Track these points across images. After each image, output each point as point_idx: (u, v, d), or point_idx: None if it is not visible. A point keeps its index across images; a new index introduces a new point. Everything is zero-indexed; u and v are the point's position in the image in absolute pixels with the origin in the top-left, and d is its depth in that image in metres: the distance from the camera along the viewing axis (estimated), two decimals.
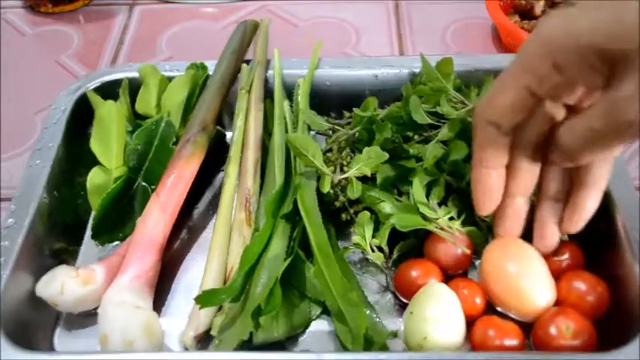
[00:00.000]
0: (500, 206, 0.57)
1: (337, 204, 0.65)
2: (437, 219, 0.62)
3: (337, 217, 0.66)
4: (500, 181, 0.52)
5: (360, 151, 0.65)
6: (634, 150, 0.78)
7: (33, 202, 0.64)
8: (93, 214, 0.67)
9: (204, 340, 0.59)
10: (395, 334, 0.60)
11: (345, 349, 0.58)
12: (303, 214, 0.63)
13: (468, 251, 0.62)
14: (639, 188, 0.68)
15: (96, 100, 0.75)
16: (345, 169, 0.65)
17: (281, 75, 0.78)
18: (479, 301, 0.59)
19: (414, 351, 0.57)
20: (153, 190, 0.65)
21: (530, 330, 0.58)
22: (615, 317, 0.58)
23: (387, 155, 0.63)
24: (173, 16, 1.03)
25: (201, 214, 0.72)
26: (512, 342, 0.56)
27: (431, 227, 0.62)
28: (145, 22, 1.02)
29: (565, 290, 0.59)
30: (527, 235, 0.60)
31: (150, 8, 1.05)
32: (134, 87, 0.76)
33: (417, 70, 0.76)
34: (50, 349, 0.61)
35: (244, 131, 0.72)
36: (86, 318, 0.62)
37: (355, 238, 0.64)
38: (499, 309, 0.60)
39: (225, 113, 0.77)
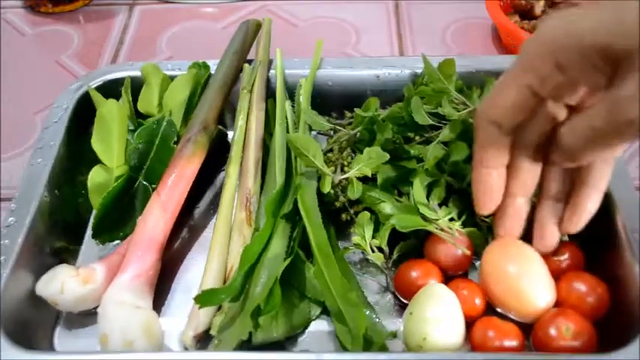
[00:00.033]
0: (500, 206, 0.57)
1: (337, 204, 0.65)
2: (437, 220, 0.62)
3: (337, 217, 0.66)
4: (500, 181, 0.52)
5: (361, 152, 0.65)
6: (634, 150, 0.78)
7: (34, 200, 0.64)
8: (94, 212, 0.67)
9: (203, 340, 0.59)
10: (394, 335, 0.60)
11: (344, 349, 0.58)
12: (303, 214, 0.63)
13: (468, 252, 0.62)
14: (639, 188, 0.68)
15: (97, 98, 0.75)
16: (346, 169, 0.65)
17: (283, 75, 0.78)
18: (479, 301, 0.59)
19: (414, 352, 0.57)
20: (154, 190, 0.65)
21: (530, 331, 0.58)
22: (615, 318, 0.58)
23: (387, 156, 0.63)
24: (173, 16, 1.03)
25: (202, 214, 0.72)
26: (511, 343, 0.56)
27: (431, 228, 0.62)
28: (145, 22, 1.02)
29: (565, 291, 0.59)
30: (528, 235, 0.60)
31: (150, 8, 1.05)
32: (136, 86, 0.76)
33: (418, 71, 0.76)
34: (50, 348, 0.61)
35: (245, 131, 0.72)
36: (86, 317, 0.62)
37: (355, 239, 0.64)
38: (499, 310, 0.60)
39: (227, 112, 0.77)
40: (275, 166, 0.69)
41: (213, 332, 0.59)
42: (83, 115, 0.74)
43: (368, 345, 0.57)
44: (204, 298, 0.57)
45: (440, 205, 0.64)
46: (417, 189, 0.63)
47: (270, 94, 0.77)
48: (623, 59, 0.40)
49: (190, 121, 0.71)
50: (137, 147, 0.70)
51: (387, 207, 0.64)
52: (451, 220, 0.63)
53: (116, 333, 0.56)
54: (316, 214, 0.63)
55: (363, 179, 0.64)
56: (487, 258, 0.61)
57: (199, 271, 0.63)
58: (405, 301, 0.62)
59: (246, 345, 0.57)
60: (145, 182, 0.69)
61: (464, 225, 0.63)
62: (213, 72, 0.77)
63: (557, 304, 0.59)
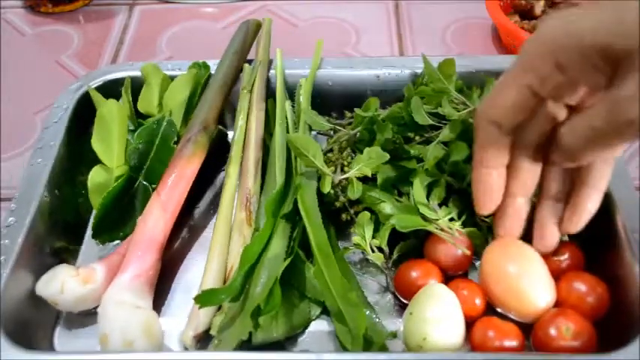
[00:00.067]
0: (500, 206, 0.57)
1: (337, 204, 0.65)
2: (437, 220, 0.62)
3: (337, 217, 0.66)
4: (500, 181, 0.52)
5: (361, 152, 0.65)
6: (634, 150, 0.78)
7: (34, 200, 0.64)
8: (94, 213, 0.67)
9: (203, 340, 0.59)
10: (394, 335, 0.60)
11: (344, 349, 0.58)
12: (303, 214, 0.63)
13: (468, 252, 0.62)
14: (639, 188, 0.68)
15: (97, 98, 0.75)
16: (346, 169, 0.65)
17: (283, 75, 0.78)
18: (479, 302, 0.59)
19: (414, 352, 0.57)
20: (154, 190, 0.65)
21: (530, 331, 0.58)
22: (615, 318, 0.58)
23: (387, 156, 0.63)
24: (173, 16, 1.03)
25: (202, 214, 0.72)
26: (511, 343, 0.56)
27: (431, 228, 0.62)
28: (145, 22, 1.02)
29: (565, 291, 0.59)
30: (528, 235, 0.60)
31: (150, 8, 1.05)
32: (136, 86, 0.76)
33: (418, 71, 0.76)
34: (50, 348, 0.61)
35: (245, 131, 0.72)
36: (86, 317, 0.62)
37: (355, 239, 0.64)
38: (499, 310, 0.60)
39: (227, 112, 0.77)
40: (275, 166, 0.69)
41: (213, 332, 0.59)
42: (83, 115, 0.74)
43: (368, 345, 0.57)
44: (204, 298, 0.57)
45: (440, 205, 0.64)
46: (417, 189, 0.63)
47: (270, 94, 0.77)
48: (623, 59, 0.40)
49: (190, 121, 0.71)
50: (137, 147, 0.70)
51: (387, 207, 0.64)
52: (451, 220, 0.63)
53: (116, 333, 0.56)
54: (316, 214, 0.63)
55: (363, 179, 0.64)
56: (487, 258, 0.61)
57: (199, 271, 0.63)
58: (405, 301, 0.62)
59: (246, 345, 0.57)
60: (145, 182, 0.69)
61: (464, 225, 0.63)
62: (213, 72, 0.77)
63: (557, 304, 0.59)
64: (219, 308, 0.61)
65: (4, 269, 0.59)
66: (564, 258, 0.62)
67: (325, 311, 0.61)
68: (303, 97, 0.75)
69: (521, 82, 0.46)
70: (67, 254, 0.67)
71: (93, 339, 0.59)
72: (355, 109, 0.71)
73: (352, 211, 0.65)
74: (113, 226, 0.67)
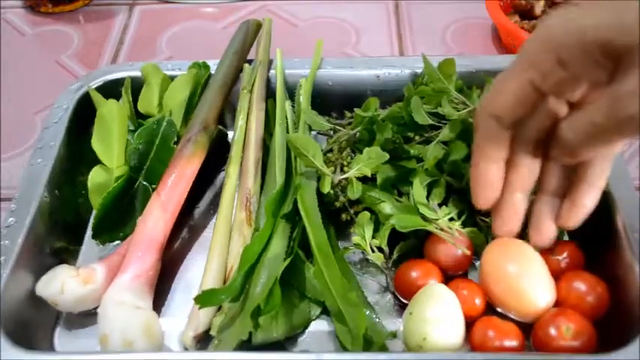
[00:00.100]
0: (498, 201, 0.56)
1: (337, 204, 0.65)
2: (437, 220, 0.62)
3: (337, 217, 0.66)
4: (499, 175, 0.52)
5: (361, 152, 0.65)
6: (634, 150, 0.78)
7: (34, 200, 0.64)
8: (94, 213, 0.67)
9: (203, 340, 0.59)
10: (394, 335, 0.60)
11: (344, 349, 0.58)
12: (303, 214, 0.63)
13: (468, 252, 0.62)
14: (639, 188, 0.68)
15: (98, 98, 0.75)
16: (346, 169, 0.65)
17: (283, 75, 0.78)
18: (479, 301, 0.59)
19: (414, 352, 0.57)
20: (154, 190, 0.66)
21: (530, 331, 0.58)
22: (615, 318, 0.58)
23: (387, 156, 0.63)
24: (173, 16, 1.03)
25: (202, 214, 0.72)
26: (511, 343, 0.56)
27: (431, 228, 0.62)
28: (145, 22, 1.02)
29: (565, 291, 0.59)
30: (526, 232, 0.60)
31: (150, 8, 1.05)
32: (136, 86, 0.76)
33: (418, 71, 0.76)
34: (50, 348, 0.61)
35: (245, 131, 0.72)
36: (86, 318, 0.62)
37: (355, 239, 0.64)
38: (499, 310, 0.60)
39: (227, 112, 0.77)
40: (275, 166, 0.69)
41: (213, 332, 0.59)
42: (83, 115, 0.74)
43: (368, 345, 0.57)
44: (204, 299, 0.57)
45: (440, 205, 0.64)
46: (417, 189, 0.63)
47: (270, 94, 0.77)
48: (624, 55, 0.40)
49: (190, 121, 0.71)
50: (137, 147, 0.70)
51: (387, 207, 0.64)
52: (451, 220, 0.63)
53: (116, 333, 0.56)
54: (316, 214, 0.63)
55: (363, 179, 0.64)
56: (487, 258, 0.61)
57: (199, 271, 0.63)
58: (405, 301, 0.62)
59: (246, 345, 0.57)
60: (145, 182, 0.69)
61: (464, 225, 0.63)
62: (213, 72, 0.77)
63: (557, 303, 0.59)
64: (219, 308, 0.61)
65: (4, 269, 0.59)
66: (564, 258, 0.62)
67: (325, 311, 0.61)
68: (303, 97, 0.75)
69: (522, 78, 0.46)
70: (67, 254, 0.67)
71: (93, 339, 0.59)
72: (355, 109, 0.71)
73: (352, 211, 0.65)
74: (113, 226, 0.67)
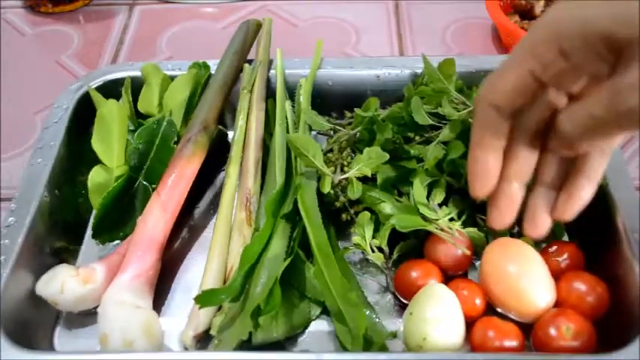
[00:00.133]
0: (495, 191, 0.56)
1: (337, 204, 0.65)
2: (437, 220, 0.62)
3: (337, 217, 0.66)
4: (497, 165, 0.52)
5: (361, 152, 0.65)
6: (634, 150, 0.78)
7: (34, 200, 0.64)
8: (94, 213, 0.67)
9: (203, 340, 0.59)
10: (394, 335, 0.60)
11: (344, 349, 0.58)
12: (303, 214, 0.63)
13: (468, 252, 0.62)
14: (639, 188, 0.68)
15: (98, 98, 0.75)
16: (346, 169, 0.65)
17: (283, 75, 0.78)
18: (479, 302, 0.59)
19: (414, 352, 0.57)
20: (154, 190, 0.66)
21: (530, 331, 0.58)
22: (615, 318, 0.58)
23: (387, 156, 0.63)
24: (173, 16, 1.03)
25: (202, 214, 0.72)
26: (512, 343, 0.56)
27: (431, 228, 0.62)
28: (145, 22, 1.02)
29: (565, 291, 0.59)
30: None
31: (150, 8, 1.05)
32: (136, 86, 0.76)
33: (418, 71, 0.76)
34: (50, 348, 0.61)
35: (246, 131, 0.72)
36: (86, 317, 0.62)
37: (355, 239, 0.64)
38: (499, 310, 0.60)
39: (227, 112, 0.77)
40: (275, 166, 0.69)
41: (213, 332, 0.59)
42: (83, 115, 0.74)
43: (368, 345, 0.57)
44: (204, 298, 0.57)
45: (440, 205, 0.64)
46: (417, 189, 0.63)
47: (270, 94, 0.77)
48: (625, 48, 0.40)
49: (190, 121, 0.71)
50: (137, 147, 0.70)
51: (387, 207, 0.64)
52: (451, 220, 0.63)
53: (116, 333, 0.56)
54: (316, 214, 0.63)
55: (363, 179, 0.64)
56: (487, 258, 0.61)
57: (199, 271, 0.63)
58: (405, 301, 0.62)
59: (246, 345, 0.57)
60: (145, 182, 0.69)
61: (464, 225, 0.63)
62: (213, 72, 0.77)
63: (557, 304, 0.59)
64: (219, 308, 0.61)
65: (4, 269, 0.59)
66: (564, 258, 0.62)
67: (325, 311, 0.61)
68: (303, 97, 0.75)
69: (523, 67, 0.46)
70: (67, 254, 0.67)
71: (93, 339, 0.59)
72: (355, 109, 0.71)
73: (352, 211, 0.65)
74: (113, 226, 0.67)
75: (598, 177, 0.51)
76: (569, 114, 0.46)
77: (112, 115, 0.71)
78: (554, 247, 0.63)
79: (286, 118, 0.74)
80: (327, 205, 0.65)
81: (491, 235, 0.63)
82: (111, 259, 0.62)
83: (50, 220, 0.65)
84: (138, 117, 0.75)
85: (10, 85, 0.92)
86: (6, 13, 1.04)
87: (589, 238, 0.62)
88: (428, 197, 0.64)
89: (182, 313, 0.61)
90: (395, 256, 0.64)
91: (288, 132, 0.73)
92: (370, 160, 0.64)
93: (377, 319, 0.61)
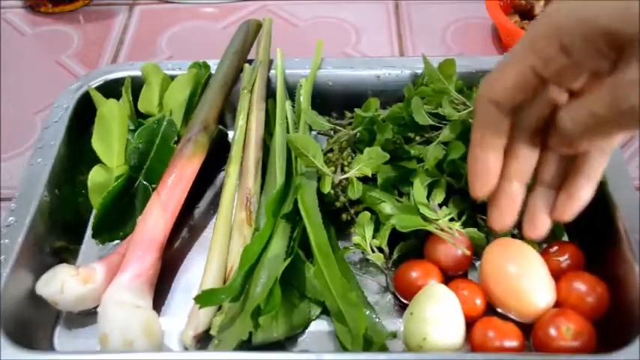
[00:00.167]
0: (495, 190, 0.56)
1: (338, 204, 0.65)
2: (437, 220, 0.62)
3: (338, 217, 0.66)
4: (497, 163, 0.52)
5: (361, 152, 0.65)
6: (634, 150, 0.78)
7: (34, 200, 0.64)
8: (94, 212, 0.67)
9: (203, 340, 0.59)
10: (394, 335, 0.60)
11: (344, 349, 0.58)
12: (303, 214, 0.63)
13: (468, 252, 0.62)
14: (639, 188, 0.68)
15: (98, 98, 0.75)
16: (346, 169, 0.65)
17: (283, 75, 0.78)
18: (479, 302, 0.59)
19: (414, 352, 0.57)
20: (154, 189, 0.66)
21: (530, 331, 0.58)
22: (615, 318, 0.58)
23: (387, 156, 0.63)
24: (173, 16, 1.03)
25: (202, 214, 0.72)
26: (512, 343, 0.56)
27: (431, 228, 0.62)
28: (145, 22, 1.02)
29: (565, 291, 0.59)
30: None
31: (150, 8, 1.05)
32: (136, 85, 0.76)
33: (419, 71, 0.76)
34: (50, 348, 0.61)
35: (246, 131, 0.72)
36: (86, 317, 0.62)
37: (355, 239, 0.64)
38: (499, 310, 0.60)
39: (227, 112, 0.77)
40: (275, 166, 0.69)
41: (213, 332, 0.59)
42: (83, 114, 0.74)
43: (368, 345, 0.57)
44: (204, 298, 0.57)
45: (440, 206, 0.64)
46: (417, 189, 0.63)
47: (270, 94, 0.77)
48: (626, 45, 0.40)
49: (191, 121, 0.71)
50: (137, 147, 0.70)
51: (387, 207, 0.64)
52: (451, 220, 0.63)
53: (116, 333, 0.56)
54: (316, 214, 0.63)
55: (363, 179, 0.64)
56: (487, 258, 0.61)
57: (199, 270, 0.63)
58: (405, 302, 0.62)
59: (246, 345, 0.57)
60: (145, 182, 0.69)
61: (464, 225, 0.63)
62: (213, 72, 0.77)
63: (557, 304, 0.59)
64: (219, 308, 0.61)
65: (4, 269, 0.59)
66: (564, 258, 0.62)
67: (325, 311, 0.61)
68: (304, 97, 0.75)
69: (524, 63, 0.46)
70: (67, 254, 0.67)
71: (93, 339, 0.59)
72: (355, 109, 0.71)
73: (352, 211, 0.65)
74: (113, 225, 0.67)
75: (598, 177, 0.51)
76: (569, 111, 0.45)
77: (112, 114, 0.71)
78: (555, 248, 0.63)
79: (286, 118, 0.74)
80: (327, 205, 0.65)
81: (492, 235, 0.63)
82: (111, 259, 0.62)
83: (50, 220, 0.65)
84: (138, 117, 0.75)
85: (10, 85, 0.92)
86: (6, 13, 1.04)
87: (589, 238, 0.62)
88: (428, 197, 0.64)
89: (182, 313, 0.61)
90: (395, 256, 0.64)
91: (288, 132, 0.73)
92: (370, 160, 0.64)
93: (377, 319, 0.61)
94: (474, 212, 0.65)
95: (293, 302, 0.61)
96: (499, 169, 0.52)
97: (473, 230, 0.64)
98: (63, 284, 0.59)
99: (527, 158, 0.52)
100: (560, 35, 0.43)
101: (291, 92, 0.77)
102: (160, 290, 0.63)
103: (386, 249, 0.63)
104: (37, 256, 0.63)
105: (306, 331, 0.61)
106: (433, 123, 0.67)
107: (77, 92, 0.75)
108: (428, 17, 1.00)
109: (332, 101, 0.78)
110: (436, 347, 0.55)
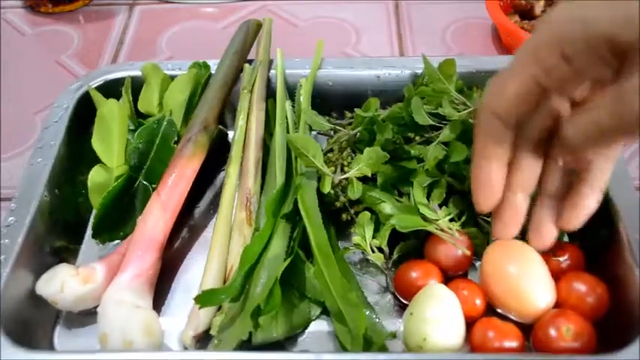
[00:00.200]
0: (499, 203, 0.56)
1: (338, 204, 0.65)
2: (437, 220, 0.62)
3: (338, 217, 0.66)
4: (501, 175, 0.52)
5: (361, 152, 0.65)
6: (634, 150, 0.78)
7: (34, 200, 0.64)
8: (94, 212, 0.67)
9: (203, 340, 0.59)
10: (394, 335, 0.60)
11: (344, 349, 0.58)
12: (303, 214, 0.63)
13: (468, 252, 0.62)
14: (639, 188, 0.68)
15: (98, 98, 0.75)
16: (346, 169, 0.65)
17: (283, 75, 0.78)
18: (479, 302, 0.59)
19: (414, 352, 0.57)
20: (154, 189, 0.66)
21: (530, 332, 0.58)
22: (615, 319, 0.58)
23: (387, 156, 0.63)
24: (173, 16, 1.03)
25: (202, 214, 0.72)
26: (511, 344, 0.56)
27: (431, 228, 0.62)
28: (145, 22, 1.02)
29: (565, 292, 0.59)
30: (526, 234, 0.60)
31: (150, 8, 1.05)
32: (136, 85, 0.76)
33: (419, 71, 0.76)
34: (50, 347, 0.61)
35: (246, 131, 0.72)
36: (86, 317, 0.62)
37: (355, 239, 0.64)
38: (499, 310, 0.60)
39: (227, 112, 0.77)
40: (275, 166, 0.69)
41: (213, 332, 0.59)
42: (83, 114, 0.74)
43: (368, 345, 0.57)
44: (204, 298, 0.57)
45: (440, 206, 0.64)
46: (417, 189, 0.63)
47: (270, 94, 0.77)
48: (629, 52, 0.40)
49: (191, 121, 0.71)
50: (137, 147, 0.70)
51: (387, 207, 0.64)
52: (451, 220, 0.63)
53: (116, 332, 0.56)
54: (316, 214, 0.63)
55: (363, 179, 0.64)
56: (487, 258, 0.61)
57: (199, 270, 0.63)
58: (405, 302, 0.62)
59: (246, 345, 0.57)
60: (145, 182, 0.69)
61: (464, 225, 0.63)
62: (213, 72, 0.77)
63: (558, 304, 0.59)
64: (219, 308, 0.61)
65: (4, 269, 0.59)
66: (564, 258, 0.62)
67: (325, 311, 0.61)
68: (304, 97, 0.75)
69: (525, 73, 0.45)
70: (67, 254, 0.67)
71: (93, 338, 0.59)
72: (355, 109, 0.71)
73: (352, 211, 0.65)
74: (113, 225, 0.67)
75: (602, 185, 0.51)
76: (572, 121, 0.45)
77: (112, 114, 0.71)
78: (555, 248, 0.63)
79: (286, 118, 0.74)
80: (327, 205, 0.65)
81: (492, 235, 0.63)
82: (111, 259, 0.62)
83: (50, 220, 0.65)
84: (138, 117, 0.75)
85: (10, 85, 0.92)
86: (6, 13, 1.04)
87: (589, 238, 0.62)
88: (428, 198, 0.64)
89: (182, 313, 0.61)
90: (395, 256, 0.64)
91: (288, 132, 0.73)
92: (370, 160, 0.64)
93: (377, 319, 0.61)
94: (474, 212, 0.64)
95: (293, 302, 0.61)
96: (503, 181, 0.52)
97: (473, 230, 0.64)
98: (63, 284, 0.59)
99: (530, 169, 0.52)
100: (562, 44, 0.43)
101: (291, 92, 0.77)
102: (160, 290, 0.63)
103: (386, 249, 0.63)
104: (37, 256, 0.63)
105: (306, 331, 0.61)
106: (433, 123, 0.66)
107: (77, 92, 0.75)
108: (428, 17, 1.00)
109: (332, 101, 0.78)
110: (436, 347, 0.55)
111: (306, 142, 0.63)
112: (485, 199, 0.52)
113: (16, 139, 0.83)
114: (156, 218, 0.63)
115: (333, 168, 0.65)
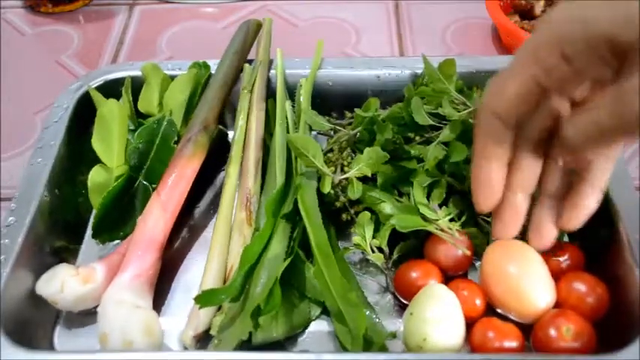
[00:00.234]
0: (499, 203, 0.56)
1: (338, 204, 0.65)
2: (437, 220, 0.62)
3: (338, 217, 0.66)
4: (501, 176, 0.52)
5: (361, 152, 0.65)
6: (634, 150, 0.78)
7: (34, 200, 0.64)
8: (94, 212, 0.67)
9: (203, 340, 0.59)
10: (394, 335, 0.60)
11: (344, 349, 0.58)
12: (303, 214, 0.63)
13: (468, 252, 0.62)
14: (639, 188, 0.68)
15: (98, 98, 0.75)
16: (346, 169, 0.65)
17: (283, 75, 0.78)
18: (479, 302, 0.59)
19: (414, 352, 0.57)
20: (154, 189, 0.65)
21: (530, 332, 0.58)
22: (615, 319, 0.58)
23: (387, 156, 0.63)
24: (173, 16, 1.03)
25: (202, 214, 0.72)
26: (511, 344, 0.56)
27: (431, 228, 0.62)
28: (145, 22, 1.02)
29: (565, 292, 0.59)
30: (526, 234, 0.60)
31: (150, 8, 1.05)
32: (136, 85, 0.76)
33: (419, 71, 0.76)
34: (50, 347, 0.61)
35: (246, 131, 0.72)
36: (86, 317, 0.62)
37: (355, 239, 0.64)
38: (499, 310, 0.60)
39: (227, 112, 0.77)
40: (275, 166, 0.69)
41: (213, 332, 0.59)
42: (83, 114, 0.74)
43: (368, 345, 0.57)
44: (204, 298, 0.57)
45: (440, 206, 0.64)
46: (417, 189, 0.63)
47: (270, 94, 0.77)
48: (629, 52, 0.40)
49: (191, 121, 0.71)
50: (137, 147, 0.70)
51: (387, 207, 0.64)
52: (451, 220, 0.63)
53: (116, 332, 0.56)
54: (316, 214, 0.63)
55: (363, 179, 0.64)
56: (487, 258, 0.61)
57: (199, 270, 0.63)
58: (405, 302, 0.62)
59: (246, 345, 0.57)
60: (145, 182, 0.69)
61: (464, 225, 0.63)
62: (213, 72, 0.77)
63: (557, 304, 0.59)
64: (219, 308, 0.61)
65: (4, 269, 0.59)
66: (564, 258, 0.62)
67: (325, 311, 0.61)
68: (304, 97, 0.75)
69: (525, 73, 0.45)
70: (67, 254, 0.67)
71: (93, 338, 0.59)
72: (355, 109, 0.71)
73: (352, 211, 0.65)
74: (113, 225, 0.67)
75: (602, 185, 0.51)
76: (572, 120, 0.45)
77: (112, 114, 0.71)
78: (555, 248, 0.62)
79: (286, 118, 0.74)
80: (327, 205, 0.65)
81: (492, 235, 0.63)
82: (111, 259, 0.62)
83: (50, 220, 0.65)
84: (138, 117, 0.75)
85: (10, 85, 0.92)
86: (6, 13, 1.04)
87: (589, 238, 0.62)
88: (428, 197, 0.64)
89: (182, 313, 0.61)
90: (395, 256, 0.64)
91: (288, 132, 0.73)
92: (370, 160, 0.64)
93: (377, 320, 0.61)
94: (474, 212, 0.64)
95: (293, 302, 0.61)
96: (503, 181, 0.52)
97: (473, 230, 0.64)
98: (63, 284, 0.59)
99: (530, 169, 0.52)
100: (562, 44, 0.43)
101: (291, 92, 0.77)
102: (160, 290, 0.63)
103: (386, 249, 0.63)
104: (37, 256, 0.63)
105: (306, 331, 0.61)
106: (433, 123, 0.66)
107: (77, 92, 0.75)
108: (428, 17, 1.00)
109: (332, 101, 0.78)
110: (436, 347, 0.55)
111: (306, 142, 0.63)
112: (485, 199, 0.52)
113: (16, 139, 0.83)
114: (156, 218, 0.63)
115: (333, 168, 0.65)
